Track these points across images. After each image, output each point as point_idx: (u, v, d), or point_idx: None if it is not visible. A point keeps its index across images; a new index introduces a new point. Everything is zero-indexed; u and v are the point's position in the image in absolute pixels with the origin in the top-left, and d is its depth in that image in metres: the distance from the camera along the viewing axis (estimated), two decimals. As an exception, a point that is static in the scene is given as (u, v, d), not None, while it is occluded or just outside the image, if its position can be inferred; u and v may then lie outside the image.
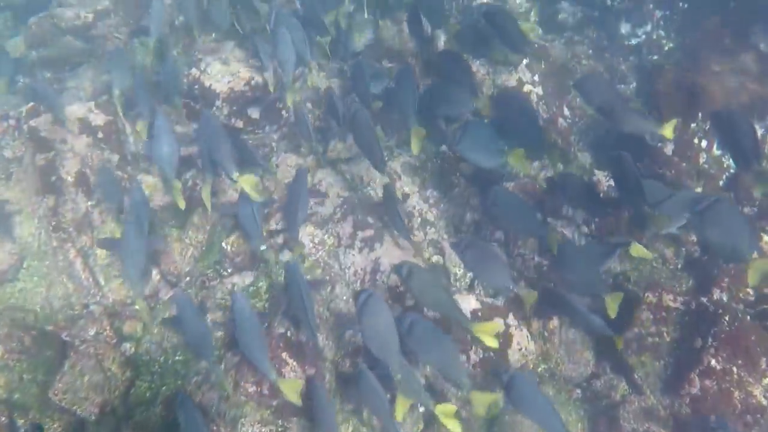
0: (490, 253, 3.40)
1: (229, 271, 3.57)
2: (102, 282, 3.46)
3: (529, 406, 2.71)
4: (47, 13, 4.80)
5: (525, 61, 4.89)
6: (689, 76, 4.28)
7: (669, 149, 4.35)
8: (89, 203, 3.58)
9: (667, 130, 3.57)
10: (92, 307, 3.35)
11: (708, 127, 4.33)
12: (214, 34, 4.72)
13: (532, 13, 5.96)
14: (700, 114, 4.24)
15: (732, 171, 4.40)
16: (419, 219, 4.01)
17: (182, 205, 3.41)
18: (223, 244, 3.53)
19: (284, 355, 3.08)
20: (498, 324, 3.17)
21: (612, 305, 3.24)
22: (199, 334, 2.89)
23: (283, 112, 4.22)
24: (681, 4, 6.08)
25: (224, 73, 4.17)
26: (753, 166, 3.26)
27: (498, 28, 4.32)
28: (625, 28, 6.03)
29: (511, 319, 3.41)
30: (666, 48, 5.91)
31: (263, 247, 3.47)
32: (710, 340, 3.35)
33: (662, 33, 6.10)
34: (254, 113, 4.18)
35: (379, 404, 2.74)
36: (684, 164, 4.32)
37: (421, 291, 2.99)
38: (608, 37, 5.64)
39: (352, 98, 3.71)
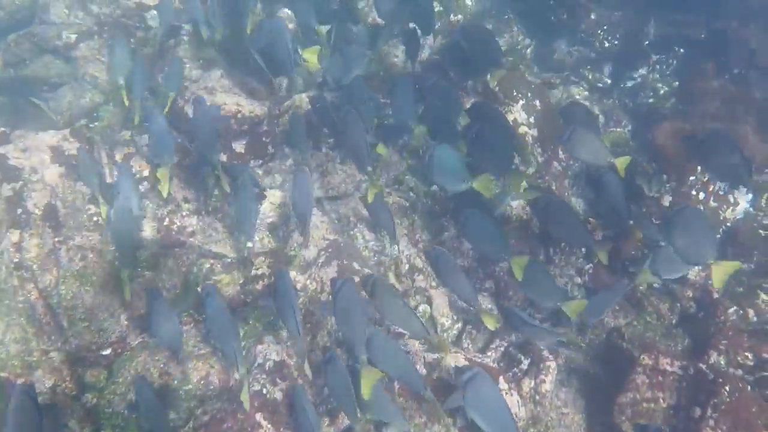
0: (460, 268, 3.54)
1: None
2: (65, 325, 3.18)
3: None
4: (27, 31, 4.56)
5: (521, 102, 4.74)
6: (687, 128, 4.13)
7: (666, 200, 4.19)
8: (56, 239, 3.32)
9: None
10: (52, 354, 3.08)
11: (707, 178, 4.19)
12: (201, 60, 4.52)
13: (528, 50, 5.84)
14: (699, 167, 4.08)
15: (729, 225, 4.27)
16: (407, 265, 3.78)
17: (165, 191, 3.45)
18: (199, 289, 3.28)
19: (258, 416, 2.83)
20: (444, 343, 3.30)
21: (573, 310, 3.35)
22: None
23: (269, 147, 4.01)
24: (677, 48, 5.99)
25: (209, 102, 3.94)
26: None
27: (475, 44, 4.18)
28: (620, 71, 5.92)
29: (502, 383, 3.19)
30: (662, 92, 5.80)
31: (249, 245, 3.42)
32: (709, 410, 3.15)
33: (658, 76, 6.01)
34: (239, 147, 3.95)
35: (345, 391, 2.76)
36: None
37: (384, 305, 3.05)
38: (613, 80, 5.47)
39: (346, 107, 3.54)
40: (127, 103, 4.01)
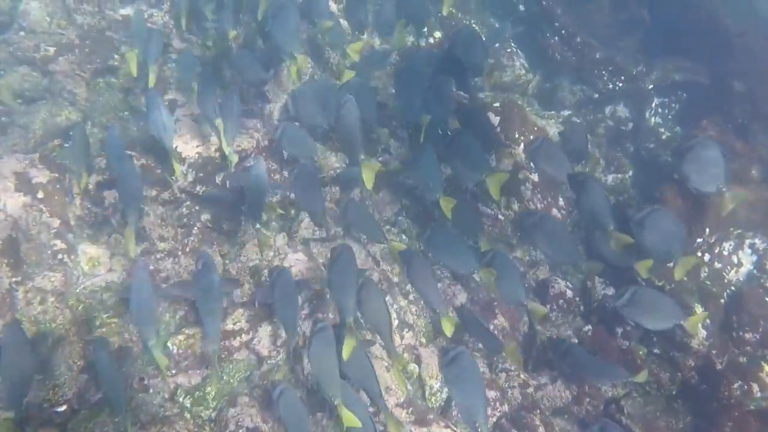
0: (431, 273, 3.41)
1: (173, 372, 2.97)
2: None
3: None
4: (3, 39, 4.19)
5: (522, 145, 4.47)
6: (697, 187, 3.87)
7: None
8: (14, 279, 2.96)
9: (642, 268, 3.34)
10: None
11: (713, 239, 3.95)
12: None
13: (531, 86, 5.58)
14: (707, 229, 3.84)
15: (733, 288, 4.04)
16: (396, 321, 3.47)
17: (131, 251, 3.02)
18: (169, 343, 2.94)
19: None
20: None
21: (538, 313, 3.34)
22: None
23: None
24: (680, 93, 5.78)
25: (194, 134, 3.62)
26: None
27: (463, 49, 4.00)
28: (623, 113, 5.69)
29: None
30: (664, 137, 5.57)
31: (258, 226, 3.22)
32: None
33: (660, 120, 5.79)
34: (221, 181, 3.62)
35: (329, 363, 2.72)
36: (684, 278, 3.90)
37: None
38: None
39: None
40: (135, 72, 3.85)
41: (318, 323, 2.79)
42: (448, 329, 3.17)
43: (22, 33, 4.35)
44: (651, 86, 5.55)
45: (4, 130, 3.93)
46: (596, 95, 5.48)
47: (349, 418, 2.62)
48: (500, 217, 4.27)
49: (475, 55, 4.02)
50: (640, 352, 3.77)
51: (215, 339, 2.74)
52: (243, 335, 3.04)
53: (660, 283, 3.87)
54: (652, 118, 5.73)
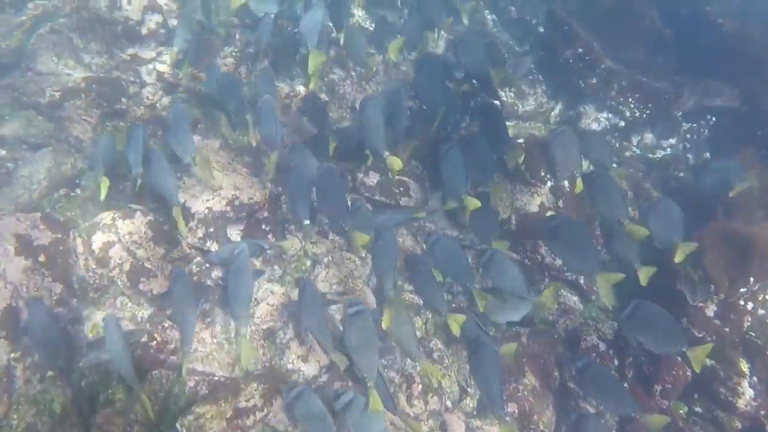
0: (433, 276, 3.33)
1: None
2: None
3: None
4: (9, 83, 3.97)
5: (549, 184, 4.16)
6: (742, 232, 3.55)
7: (710, 310, 3.62)
8: (12, 354, 2.72)
9: (643, 275, 3.33)
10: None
11: (757, 287, 3.62)
12: (198, 124, 3.95)
13: (554, 114, 5.27)
14: (751, 278, 3.51)
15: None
16: (419, 386, 3.19)
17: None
18: (178, 425, 2.68)
19: None
20: None
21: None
22: None
23: (270, 236, 3.42)
24: (710, 117, 5.43)
25: (204, 185, 3.36)
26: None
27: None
28: (648, 139, 5.36)
29: None
30: (693, 165, 5.24)
31: (307, 222, 3.16)
32: None
33: (688, 146, 5.45)
34: (234, 234, 3.37)
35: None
36: (726, 329, 3.58)
37: None
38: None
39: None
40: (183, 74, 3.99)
41: (354, 305, 2.83)
42: (456, 328, 3.15)
43: (29, 73, 4.16)
44: (679, 113, 5.21)
45: (8, 179, 3.72)
46: (622, 123, 5.16)
47: (377, 401, 2.68)
48: (527, 262, 3.98)
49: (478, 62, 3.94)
50: (681, 411, 3.47)
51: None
52: (257, 413, 2.77)
53: (700, 335, 3.57)
54: (681, 144, 5.40)
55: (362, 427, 2.69)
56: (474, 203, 3.36)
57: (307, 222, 3.16)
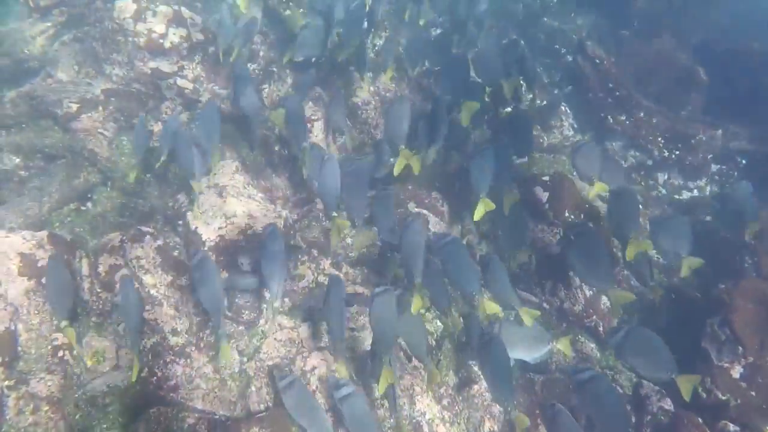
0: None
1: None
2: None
3: None
4: (27, 92, 3.86)
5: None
6: (775, 291, 3.34)
7: (736, 372, 3.40)
8: (6, 383, 2.58)
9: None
10: None
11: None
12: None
13: (578, 148, 5.06)
14: (785, 341, 3.29)
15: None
16: (427, 427, 3.01)
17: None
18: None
19: None
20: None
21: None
22: None
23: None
24: (739, 159, 5.21)
25: (217, 211, 3.22)
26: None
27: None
28: (676, 180, 5.15)
29: None
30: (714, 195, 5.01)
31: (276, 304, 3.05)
32: None
33: (716, 189, 5.23)
34: (246, 263, 3.22)
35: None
36: (753, 393, 3.36)
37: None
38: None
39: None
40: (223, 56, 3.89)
41: (381, 286, 2.87)
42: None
43: (49, 80, 4.06)
44: (710, 155, 5.00)
45: (20, 188, 3.62)
46: (650, 161, 4.96)
47: (391, 377, 2.71)
48: (545, 305, 3.79)
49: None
50: (700, 476, 3.24)
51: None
52: None
53: (724, 397, 3.35)
54: (708, 187, 5.18)
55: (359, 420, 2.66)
56: (489, 205, 3.31)
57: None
